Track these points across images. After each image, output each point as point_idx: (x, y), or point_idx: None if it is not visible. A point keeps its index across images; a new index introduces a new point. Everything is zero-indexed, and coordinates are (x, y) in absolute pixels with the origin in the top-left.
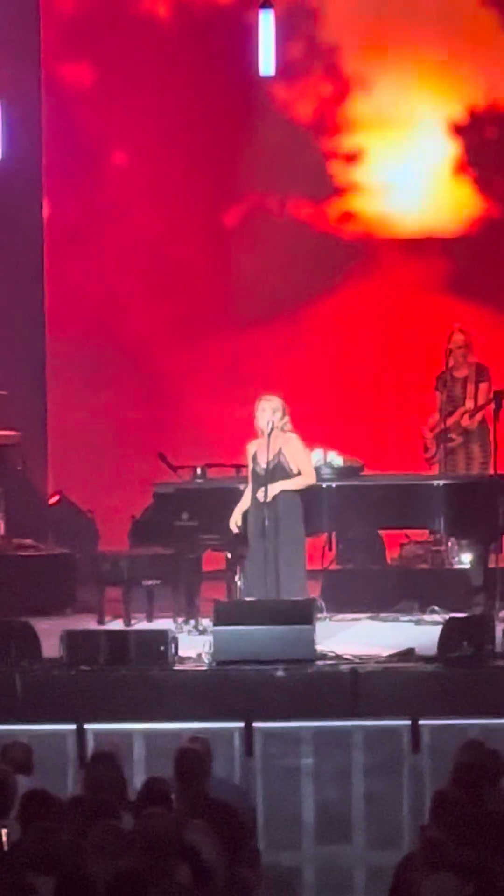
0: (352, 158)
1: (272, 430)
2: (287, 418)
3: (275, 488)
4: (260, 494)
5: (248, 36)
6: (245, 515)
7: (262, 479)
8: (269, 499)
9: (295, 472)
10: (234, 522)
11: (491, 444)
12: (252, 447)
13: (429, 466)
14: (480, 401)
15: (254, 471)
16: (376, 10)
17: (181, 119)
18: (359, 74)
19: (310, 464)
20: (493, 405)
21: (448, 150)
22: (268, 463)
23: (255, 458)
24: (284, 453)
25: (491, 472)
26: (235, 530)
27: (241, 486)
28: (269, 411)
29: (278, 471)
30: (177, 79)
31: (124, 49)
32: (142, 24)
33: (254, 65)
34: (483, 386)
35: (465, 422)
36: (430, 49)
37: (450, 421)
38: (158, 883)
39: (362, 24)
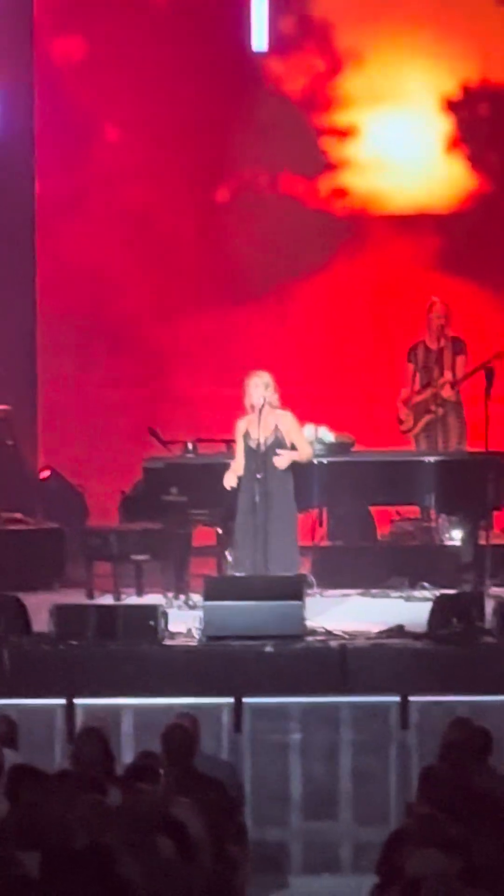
0: (344, 134)
1: (263, 405)
2: (276, 395)
3: (284, 459)
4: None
5: (240, 11)
6: (236, 490)
7: (257, 455)
8: (284, 467)
9: (290, 447)
10: (229, 481)
11: (465, 418)
12: (243, 423)
13: (404, 438)
14: (458, 374)
15: (247, 446)
16: None
17: (173, 94)
18: (351, 49)
19: (305, 439)
20: (476, 377)
21: (441, 126)
22: (265, 439)
23: (247, 434)
24: (281, 429)
25: (468, 446)
26: (232, 485)
27: (232, 462)
28: (261, 387)
29: (275, 447)
30: (169, 54)
31: (117, 24)
32: None
33: (246, 39)
34: (460, 359)
35: (446, 392)
36: (424, 24)
37: (427, 393)
38: (144, 858)
39: None
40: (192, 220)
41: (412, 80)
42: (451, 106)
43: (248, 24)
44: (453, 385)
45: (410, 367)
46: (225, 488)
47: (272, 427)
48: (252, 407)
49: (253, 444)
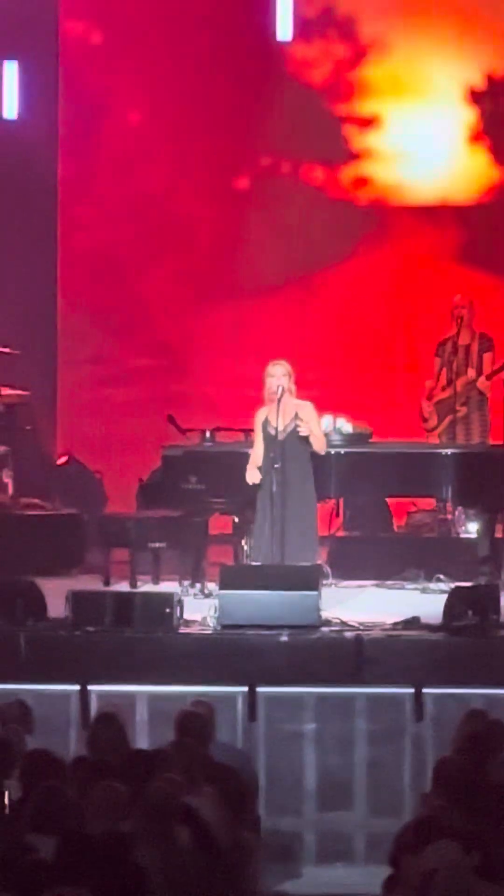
0: (367, 123)
1: (282, 394)
2: (293, 386)
3: (315, 431)
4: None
5: None
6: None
7: (275, 443)
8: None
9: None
10: (252, 477)
11: (489, 415)
12: (263, 412)
13: (422, 431)
14: (485, 371)
15: (266, 433)
16: None
17: (196, 80)
18: (375, 39)
19: (322, 431)
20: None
21: (464, 116)
22: (284, 427)
23: (266, 422)
24: (301, 417)
25: (492, 440)
26: (256, 481)
27: (250, 451)
28: (280, 375)
29: (294, 435)
30: (193, 40)
31: (140, 8)
32: None
33: (270, 27)
34: (487, 356)
35: (482, 384)
36: (448, 14)
37: (450, 391)
38: (159, 846)
39: None
40: (213, 207)
41: (436, 70)
42: (475, 97)
43: (272, 11)
44: (489, 376)
45: (437, 361)
46: (243, 476)
47: (292, 415)
48: (271, 394)
49: (272, 432)
